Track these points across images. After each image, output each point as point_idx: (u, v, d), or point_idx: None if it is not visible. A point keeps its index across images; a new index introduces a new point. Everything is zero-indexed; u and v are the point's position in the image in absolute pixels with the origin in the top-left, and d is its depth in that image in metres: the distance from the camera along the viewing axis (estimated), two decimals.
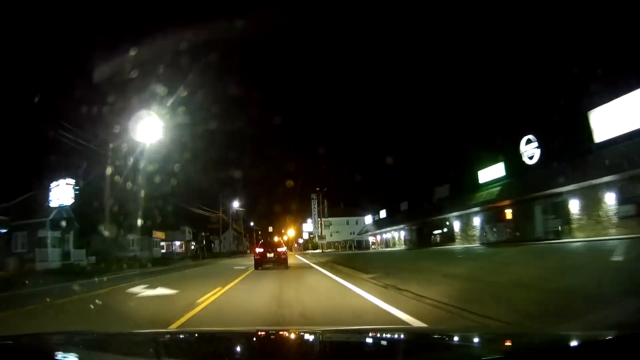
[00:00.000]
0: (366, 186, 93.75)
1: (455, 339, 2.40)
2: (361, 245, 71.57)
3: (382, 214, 51.71)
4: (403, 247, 45.47)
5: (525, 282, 7.48)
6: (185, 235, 72.36)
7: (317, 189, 56.34)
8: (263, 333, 2.95)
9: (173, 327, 5.75)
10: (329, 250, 57.74)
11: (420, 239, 41.24)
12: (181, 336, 3.02)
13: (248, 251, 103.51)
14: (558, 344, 2.00)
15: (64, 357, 2.01)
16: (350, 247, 66.25)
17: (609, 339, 1.91)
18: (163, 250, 72.54)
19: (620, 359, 1.66)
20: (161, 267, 30.71)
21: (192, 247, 75.36)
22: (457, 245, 34.65)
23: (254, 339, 2.64)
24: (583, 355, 1.71)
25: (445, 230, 37.88)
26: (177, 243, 74.01)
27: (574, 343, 1.98)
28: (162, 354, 2.23)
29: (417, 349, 2.23)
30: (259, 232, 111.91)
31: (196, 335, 3.08)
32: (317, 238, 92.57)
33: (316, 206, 56.69)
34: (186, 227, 72.06)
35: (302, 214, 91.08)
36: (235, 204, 61.64)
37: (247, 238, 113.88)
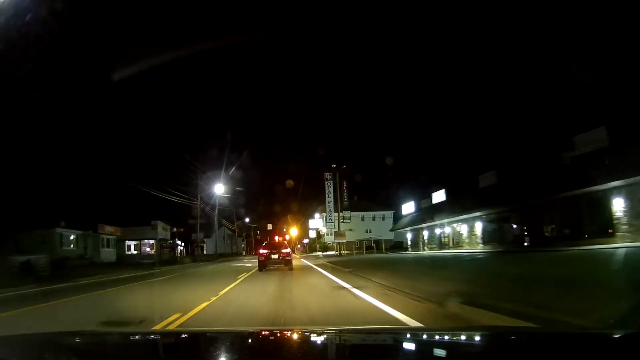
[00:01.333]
0: (393, 170, 78.04)
1: (454, 338, 2.36)
2: (379, 245, 54.89)
3: (437, 197, 33.91)
4: (479, 247, 27.73)
5: None
6: (157, 232, 54.70)
7: (333, 165, 38.82)
8: (264, 333, 2.88)
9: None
10: (348, 252, 39.94)
11: (528, 234, 23.61)
12: (181, 336, 2.93)
13: (244, 253, 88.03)
14: (558, 342, 1.96)
15: (64, 357, 2.00)
16: (369, 248, 49.10)
17: (612, 338, 1.90)
18: (133, 252, 55.77)
19: (623, 358, 1.59)
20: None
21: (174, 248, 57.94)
22: (628, 244, 17.11)
23: (255, 338, 2.57)
24: (583, 354, 1.67)
25: (591, 214, 20.25)
26: (151, 242, 56.41)
27: (574, 342, 1.95)
28: (162, 354, 2.17)
29: (416, 348, 2.19)
30: (258, 231, 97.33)
31: (197, 335, 2.99)
32: (331, 236, 76.08)
33: (331, 191, 39.00)
34: (158, 222, 54.48)
35: (304, 212, 79.09)
36: (220, 189, 43.86)
37: (244, 238, 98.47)
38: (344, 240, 38.29)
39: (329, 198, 38.57)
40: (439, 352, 2.11)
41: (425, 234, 37.46)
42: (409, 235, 42.41)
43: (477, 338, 2.34)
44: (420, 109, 63.19)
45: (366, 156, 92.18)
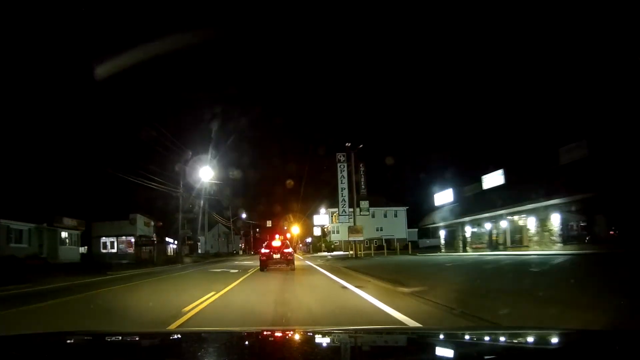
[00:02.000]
0: (414, 156, 70.09)
1: (454, 339, 2.35)
2: (391, 244, 48.60)
3: (491, 180, 25.31)
4: (556, 247, 20.05)
5: None
6: (135, 227, 47.37)
7: (347, 144, 31.09)
8: (264, 333, 2.88)
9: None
10: (365, 254, 32.35)
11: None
12: (181, 336, 2.85)
13: (241, 252, 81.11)
14: (557, 342, 1.97)
15: (64, 357, 1.98)
16: (380, 247, 42.12)
17: (607, 336, 2.04)
18: (112, 250, 48.77)
19: (619, 356, 1.61)
20: None
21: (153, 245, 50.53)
22: None
23: (255, 338, 2.54)
24: (583, 353, 1.68)
25: None
26: (131, 239, 48.92)
27: (573, 341, 1.97)
28: (162, 354, 2.17)
29: (416, 349, 2.22)
30: (257, 229, 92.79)
31: (197, 335, 2.93)
32: (338, 234, 68.96)
33: (345, 176, 31.34)
34: (137, 216, 47.19)
35: (306, 210, 72.27)
36: (207, 174, 36.38)
37: (241, 236, 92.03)
38: (361, 238, 30.85)
39: (342, 184, 30.98)
40: (440, 352, 2.08)
41: (468, 230, 29.75)
42: (442, 233, 34.71)
43: (478, 338, 2.31)
44: (455, 68, 49.13)
45: (376, 145, 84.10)
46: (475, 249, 28.21)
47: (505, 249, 24.57)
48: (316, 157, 75.19)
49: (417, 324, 5.25)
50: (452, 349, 2.10)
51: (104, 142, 37.54)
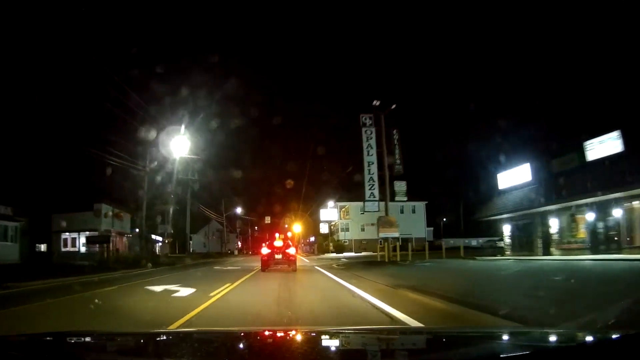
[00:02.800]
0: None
1: (455, 339, 2.42)
2: (409, 243, 41.50)
3: (599, 149, 17.18)
4: None
5: None
6: (101, 221, 40.24)
7: (375, 103, 23.38)
8: (264, 333, 2.95)
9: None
10: (400, 256, 24.63)
11: None
12: (181, 336, 2.97)
13: (235, 252, 75.30)
14: (558, 343, 2.02)
15: (64, 357, 2.01)
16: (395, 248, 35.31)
17: (611, 338, 1.93)
18: (78, 248, 42.26)
19: (622, 359, 1.61)
20: None
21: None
22: None
23: (255, 339, 2.62)
24: (584, 355, 1.68)
25: None
26: (97, 234, 41.63)
27: (574, 343, 2.02)
28: (162, 354, 2.22)
29: (417, 348, 2.31)
30: (256, 227, 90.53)
31: (196, 335, 3.04)
32: (347, 232, 62.72)
33: (373, 146, 23.29)
34: (103, 205, 40.09)
35: (309, 207, 67.55)
36: (180, 145, 28.92)
37: (238, 234, 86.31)
38: (396, 234, 23.73)
39: (370, 157, 23.39)
40: (440, 352, 2.14)
41: (554, 223, 22.09)
42: (506, 228, 27.26)
43: (478, 338, 2.39)
44: None
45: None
46: (565, 251, 20.77)
47: (619, 251, 17.28)
48: (321, 144, 67.89)
49: (420, 324, 5.50)
50: (451, 348, 2.16)
51: (55, 113, 30.37)
